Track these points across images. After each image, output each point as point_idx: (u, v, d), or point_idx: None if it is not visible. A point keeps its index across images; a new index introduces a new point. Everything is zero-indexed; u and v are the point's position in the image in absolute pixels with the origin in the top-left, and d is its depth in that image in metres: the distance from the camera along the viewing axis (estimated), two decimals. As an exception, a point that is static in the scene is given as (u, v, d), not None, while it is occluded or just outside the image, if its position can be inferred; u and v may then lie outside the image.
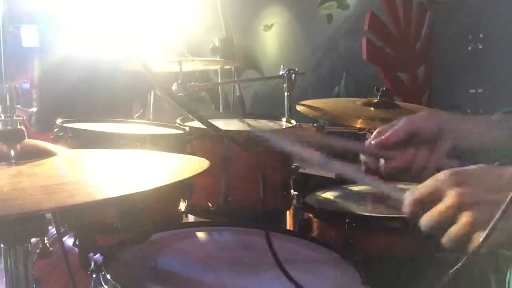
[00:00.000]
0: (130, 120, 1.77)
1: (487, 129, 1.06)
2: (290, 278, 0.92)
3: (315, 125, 1.94)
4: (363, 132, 1.93)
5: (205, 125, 1.01)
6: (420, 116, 1.08)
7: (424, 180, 0.82)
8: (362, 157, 1.11)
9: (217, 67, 2.79)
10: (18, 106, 0.80)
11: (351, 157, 1.10)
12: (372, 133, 1.15)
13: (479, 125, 1.08)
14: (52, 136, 1.39)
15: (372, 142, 1.08)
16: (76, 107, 2.35)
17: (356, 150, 1.14)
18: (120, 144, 1.30)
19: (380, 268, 0.99)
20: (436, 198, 0.73)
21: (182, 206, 1.46)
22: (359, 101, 1.80)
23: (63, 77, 2.42)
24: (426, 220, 0.74)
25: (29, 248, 0.79)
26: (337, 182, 1.78)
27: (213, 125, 0.99)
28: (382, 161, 1.08)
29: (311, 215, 1.50)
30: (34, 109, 2.77)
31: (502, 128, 1.05)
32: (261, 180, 0.91)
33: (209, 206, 1.47)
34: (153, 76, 0.96)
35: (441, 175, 0.75)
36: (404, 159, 1.05)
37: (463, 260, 0.67)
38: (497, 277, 1.31)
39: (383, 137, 1.06)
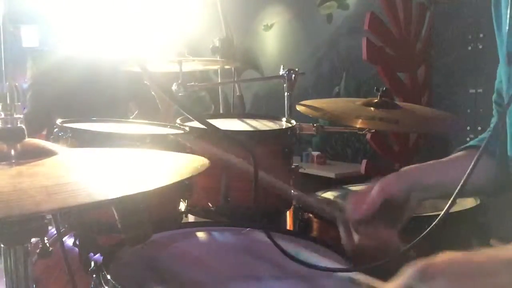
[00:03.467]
0: (130, 120, 1.77)
1: (451, 174, 1.07)
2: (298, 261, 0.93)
3: (315, 125, 1.94)
4: (363, 132, 1.93)
5: (205, 125, 1.01)
6: (390, 180, 1.09)
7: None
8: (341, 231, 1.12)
9: (217, 67, 2.79)
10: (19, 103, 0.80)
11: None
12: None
13: (443, 173, 1.10)
14: (52, 136, 1.39)
15: (354, 217, 1.08)
16: (74, 108, 2.34)
17: (333, 217, 1.15)
18: (120, 144, 1.30)
19: (380, 268, 0.99)
20: None
21: (182, 206, 1.46)
22: (359, 101, 1.80)
23: (61, 78, 2.41)
24: None
25: (29, 248, 0.79)
26: (337, 182, 1.78)
27: (212, 125, 0.98)
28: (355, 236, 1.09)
29: (311, 215, 1.50)
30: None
31: (459, 165, 1.07)
32: (255, 180, 0.92)
33: (209, 206, 1.47)
34: (150, 76, 0.95)
35: (409, 273, 0.77)
36: (375, 237, 1.07)
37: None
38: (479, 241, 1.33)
39: (363, 210, 1.06)
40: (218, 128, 0.95)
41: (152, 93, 2.85)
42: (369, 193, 1.08)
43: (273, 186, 1.06)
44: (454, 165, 1.12)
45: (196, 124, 1.52)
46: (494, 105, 1.20)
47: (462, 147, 1.19)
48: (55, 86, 2.46)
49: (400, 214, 1.10)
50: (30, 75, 2.70)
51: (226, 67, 2.64)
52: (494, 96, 1.19)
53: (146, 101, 2.85)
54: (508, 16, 0.99)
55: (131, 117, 2.76)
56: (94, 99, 2.45)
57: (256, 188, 0.94)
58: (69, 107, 2.37)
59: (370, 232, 1.06)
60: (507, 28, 1.01)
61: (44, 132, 2.48)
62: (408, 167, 1.14)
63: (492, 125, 1.19)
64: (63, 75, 2.41)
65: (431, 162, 1.15)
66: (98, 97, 2.47)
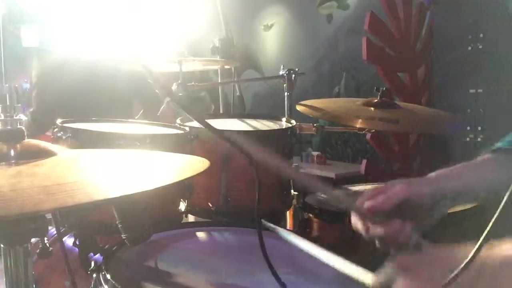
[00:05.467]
0: (130, 120, 1.77)
1: (479, 179, 1.06)
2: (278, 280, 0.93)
3: (315, 125, 1.94)
4: (363, 132, 1.93)
5: (204, 126, 1.01)
6: (418, 181, 1.06)
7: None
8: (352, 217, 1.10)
9: (217, 67, 2.79)
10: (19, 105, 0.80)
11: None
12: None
13: (472, 178, 1.07)
14: (52, 136, 1.39)
15: (365, 205, 1.04)
16: (76, 107, 2.34)
17: (347, 206, 1.12)
18: (120, 144, 1.30)
19: (380, 268, 0.98)
20: None
21: (182, 206, 1.46)
22: (359, 101, 1.80)
23: (64, 77, 2.41)
24: None
25: (29, 248, 0.79)
26: (337, 182, 1.78)
27: (212, 126, 0.98)
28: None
29: (311, 215, 1.50)
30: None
31: (489, 169, 1.05)
32: (257, 182, 0.91)
33: (209, 206, 1.47)
34: (153, 76, 0.95)
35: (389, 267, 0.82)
36: (390, 230, 1.04)
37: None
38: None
39: (376, 202, 1.03)
40: (216, 129, 0.94)
41: (156, 91, 2.85)
42: (392, 187, 1.06)
43: (272, 165, 1.03)
44: (482, 170, 1.09)
45: (196, 123, 1.52)
46: None
47: (489, 149, 1.13)
48: (58, 86, 2.47)
49: (420, 217, 1.05)
50: (35, 73, 2.71)
51: (226, 67, 2.64)
52: None
53: (151, 100, 2.85)
54: None
55: (136, 117, 2.76)
56: (94, 99, 2.45)
57: (259, 188, 0.93)
58: (71, 107, 2.37)
59: (383, 221, 1.03)
60: None
61: (49, 133, 2.48)
62: (436, 172, 1.10)
63: None
64: (64, 75, 2.42)
65: (458, 166, 1.12)
66: (98, 97, 2.47)
